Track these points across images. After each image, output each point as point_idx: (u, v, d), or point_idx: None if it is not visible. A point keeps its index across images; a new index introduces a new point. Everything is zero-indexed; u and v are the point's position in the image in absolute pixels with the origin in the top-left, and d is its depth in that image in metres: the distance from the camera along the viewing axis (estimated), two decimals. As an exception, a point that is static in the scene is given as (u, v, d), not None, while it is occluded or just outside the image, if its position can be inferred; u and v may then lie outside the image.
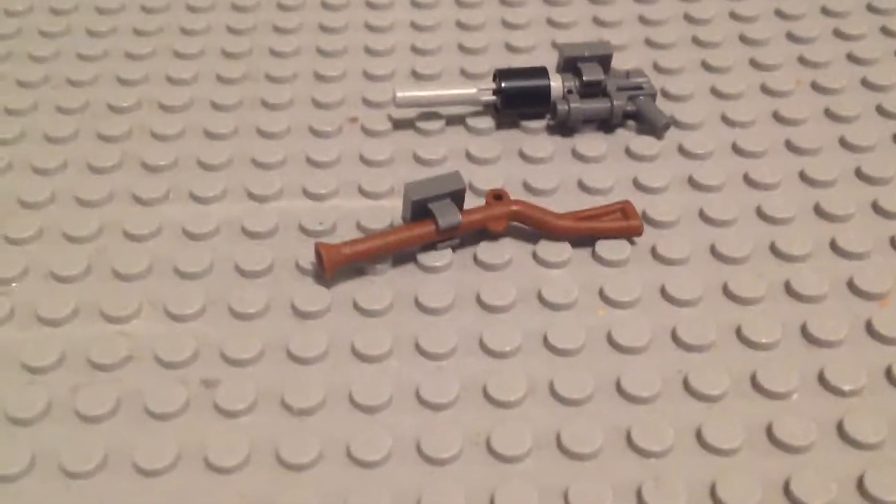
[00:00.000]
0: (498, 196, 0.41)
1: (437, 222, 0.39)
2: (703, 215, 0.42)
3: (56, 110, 0.49)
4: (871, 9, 0.54)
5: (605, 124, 0.47)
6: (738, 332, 0.37)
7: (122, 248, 0.41)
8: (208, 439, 0.34)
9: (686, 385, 0.36)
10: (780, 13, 0.54)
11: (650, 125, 0.46)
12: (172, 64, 0.52)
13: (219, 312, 0.39)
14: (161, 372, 0.37)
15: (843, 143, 0.45)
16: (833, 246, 0.41)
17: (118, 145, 0.47)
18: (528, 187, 0.44)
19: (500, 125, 0.47)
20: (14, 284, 0.40)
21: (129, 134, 0.47)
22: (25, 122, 0.48)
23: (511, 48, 0.52)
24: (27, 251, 0.41)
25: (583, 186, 0.44)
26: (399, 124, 0.47)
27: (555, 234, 0.41)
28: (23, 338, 0.38)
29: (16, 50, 0.53)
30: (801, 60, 0.50)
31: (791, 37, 0.52)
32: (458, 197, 0.40)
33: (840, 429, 0.34)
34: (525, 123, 0.47)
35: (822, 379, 0.36)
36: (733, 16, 0.54)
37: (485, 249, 0.41)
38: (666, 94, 0.48)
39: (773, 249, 0.41)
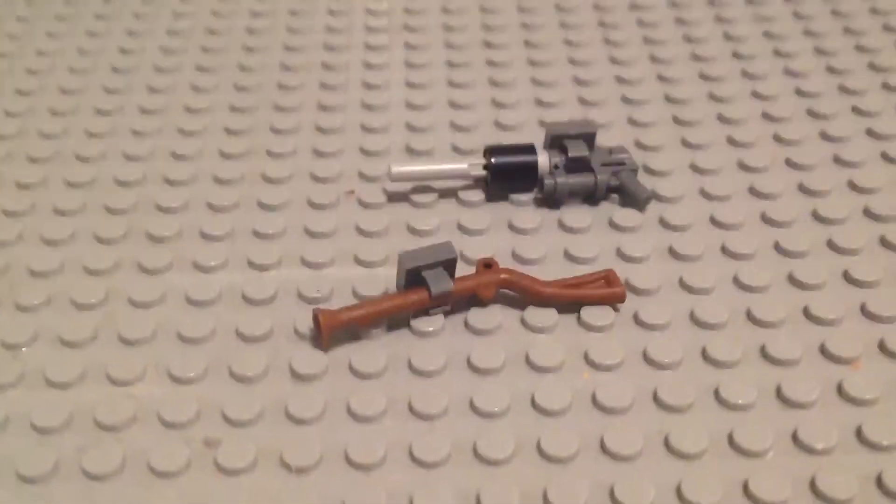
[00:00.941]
0: (488, 265, 0.43)
1: (429, 289, 0.41)
2: (682, 283, 0.44)
3: (65, 184, 0.50)
4: (842, 89, 0.56)
5: (590, 198, 0.48)
6: (716, 393, 0.39)
7: (127, 315, 0.43)
8: (210, 497, 0.36)
9: (667, 444, 0.37)
10: (756, 94, 0.56)
11: (632, 199, 0.48)
12: (177, 141, 0.53)
13: (220, 375, 0.40)
14: (165, 432, 0.38)
15: (816, 215, 0.47)
16: (806, 312, 0.42)
17: (124, 217, 0.48)
18: (516, 257, 0.46)
19: (490, 198, 0.49)
20: (24, 349, 0.42)
21: (135, 206, 0.49)
22: (35, 195, 0.50)
23: (501, 126, 0.54)
24: (37, 317, 0.43)
25: (569, 256, 0.46)
26: (394, 197, 0.49)
27: (542, 301, 0.42)
28: (32, 400, 0.39)
29: (26, 127, 0.55)
30: (776, 138, 0.53)
31: (766, 116, 0.54)
32: (449, 266, 0.42)
33: (813, 486, 0.35)
34: (514, 197, 0.49)
35: (795, 438, 0.37)
36: (711, 97, 0.56)
37: (475, 315, 0.42)
38: (647, 170, 0.50)
39: (749, 316, 0.42)
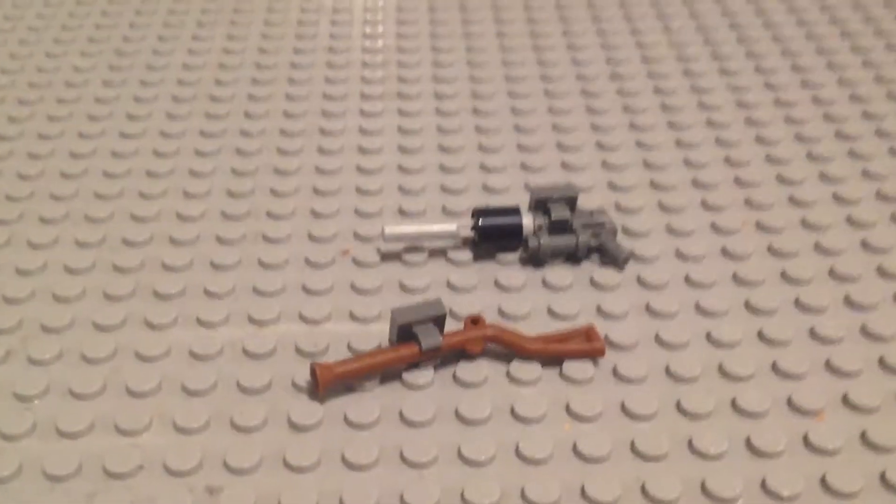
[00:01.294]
0: (475, 321, 0.45)
1: (420, 344, 0.43)
2: (658, 339, 0.46)
3: (75, 244, 0.53)
4: (810, 157, 0.59)
5: (572, 257, 0.51)
6: (690, 444, 0.41)
7: (134, 369, 0.45)
8: (212, 540, 0.38)
9: (644, 491, 0.39)
10: (728, 160, 0.59)
11: (612, 258, 0.50)
12: (182, 203, 0.56)
13: (222, 426, 0.42)
14: (169, 480, 0.40)
15: (784, 276, 0.50)
16: (774, 367, 0.45)
17: (132, 276, 0.50)
18: (502, 313, 0.48)
19: (478, 257, 0.51)
20: (36, 401, 0.44)
21: (141, 266, 0.51)
22: (47, 254, 0.52)
23: (488, 189, 0.57)
24: (49, 371, 0.45)
25: (552, 312, 0.48)
26: (387, 257, 0.52)
27: (526, 356, 0.45)
28: (44, 449, 0.41)
29: (38, 189, 0.57)
30: (747, 202, 0.55)
31: (738, 181, 0.57)
32: (439, 321, 0.44)
33: (780, 530, 0.38)
34: (500, 256, 0.51)
35: (764, 486, 0.39)
36: (686, 162, 0.59)
37: (463, 369, 0.44)
38: (626, 231, 0.53)
39: (721, 370, 0.45)
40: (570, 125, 0.62)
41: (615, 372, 0.45)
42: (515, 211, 0.51)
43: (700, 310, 0.48)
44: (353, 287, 0.50)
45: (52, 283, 0.50)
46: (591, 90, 0.66)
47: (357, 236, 0.53)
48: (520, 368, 0.45)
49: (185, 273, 0.51)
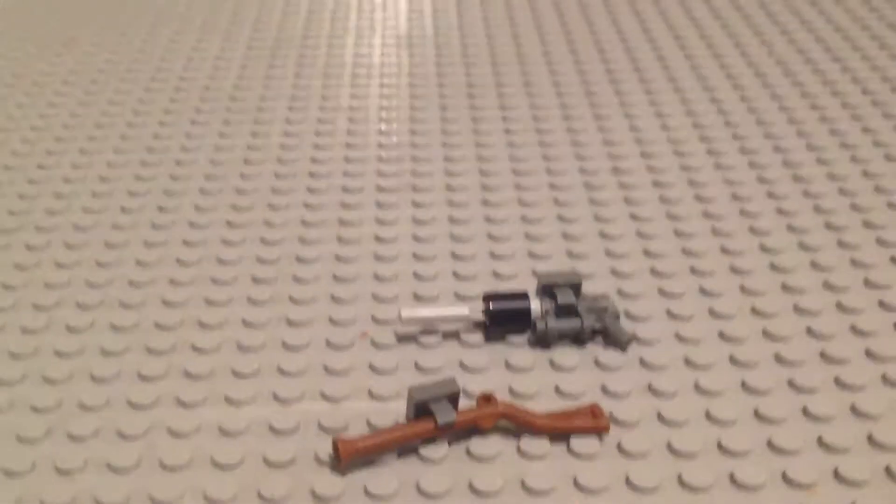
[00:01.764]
0: (487, 399, 0.47)
1: (436, 420, 0.46)
2: (660, 417, 0.49)
3: (110, 328, 0.56)
4: (801, 246, 0.62)
5: (578, 339, 0.53)
6: (691, 515, 0.44)
7: (167, 445, 0.48)
8: None
9: (647, 560, 0.42)
10: (724, 249, 0.61)
11: (615, 341, 0.53)
12: (210, 289, 0.59)
13: (250, 498, 0.45)
14: (201, 548, 0.43)
15: (778, 358, 0.53)
16: (770, 444, 0.47)
17: (164, 358, 0.53)
18: (512, 392, 0.50)
19: (489, 339, 0.54)
20: (76, 475, 0.46)
21: (173, 348, 0.54)
22: (84, 338, 0.55)
23: (497, 275, 0.60)
24: (87, 447, 0.48)
25: (559, 391, 0.50)
26: (403, 339, 0.54)
27: (536, 431, 0.47)
28: (84, 520, 0.44)
29: (74, 277, 0.60)
30: (742, 288, 0.58)
31: (734, 268, 0.60)
32: (453, 399, 0.46)
33: None
34: (510, 338, 0.54)
35: (761, 554, 0.42)
36: (684, 251, 0.61)
37: (476, 443, 0.47)
38: (628, 315, 0.56)
39: (720, 446, 0.47)
40: (574, 216, 0.66)
41: (619, 447, 0.47)
42: (524, 296, 0.54)
43: (699, 389, 0.51)
44: (372, 367, 0.52)
45: (89, 364, 0.53)
46: (594, 183, 0.69)
47: (375, 320, 0.56)
48: (530, 443, 0.47)
49: (214, 355, 0.54)
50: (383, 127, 0.78)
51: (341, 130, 0.78)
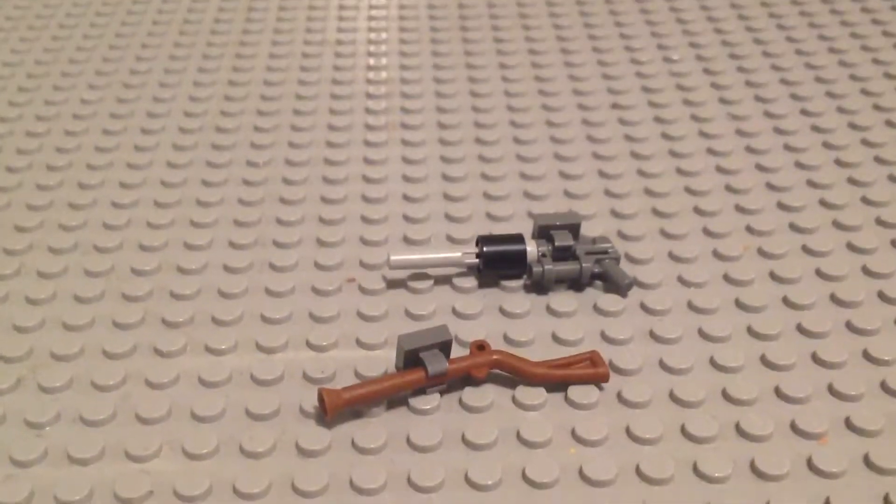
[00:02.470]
0: (480, 347, 0.46)
1: (426, 370, 0.44)
2: (662, 364, 0.47)
3: (84, 273, 0.53)
4: (810, 183, 0.60)
5: (576, 284, 0.51)
6: (695, 467, 0.42)
7: (144, 396, 0.46)
8: (222, 565, 0.38)
9: (649, 514, 0.40)
10: (729, 188, 0.59)
11: (615, 285, 0.51)
12: (189, 232, 0.56)
13: (231, 452, 0.43)
14: (179, 506, 0.41)
15: (786, 301, 0.51)
16: (777, 391, 0.45)
17: (141, 304, 0.51)
18: (507, 339, 0.48)
19: (483, 285, 0.52)
20: (47, 428, 0.44)
21: (150, 294, 0.52)
22: (56, 283, 0.53)
23: (492, 217, 0.57)
24: (59, 398, 0.46)
25: (556, 338, 0.49)
26: (392, 284, 0.52)
27: (531, 381, 0.45)
28: (55, 476, 0.42)
29: (47, 220, 0.58)
30: (748, 229, 0.56)
31: (739, 208, 0.58)
32: (445, 347, 0.44)
33: (784, 551, 0.38)
34: (504, 283, 0.52)
35: (768, 509, 0.40)
36: (687, 190, 0.59)
37: (469, 394, 0.45)
38: (629, 258, 0.54)
39: (725, 395, 0.45)
40: (573, 154, 0.63)
41: (619, 396, 0.45)
42: (519, 238, 0.52)
43: (703, 335, 0.49)
44: (360, 314, 0.50)
45: (61, 311, 0.51)
46: (593, 120, 0.67)
47: (363, 264, 0.54)
48: (525, 393, 0.45)
49: (194, 301, 0.52)
50: (371, 62, 0.75)
51: (327, 66, 0.75)
